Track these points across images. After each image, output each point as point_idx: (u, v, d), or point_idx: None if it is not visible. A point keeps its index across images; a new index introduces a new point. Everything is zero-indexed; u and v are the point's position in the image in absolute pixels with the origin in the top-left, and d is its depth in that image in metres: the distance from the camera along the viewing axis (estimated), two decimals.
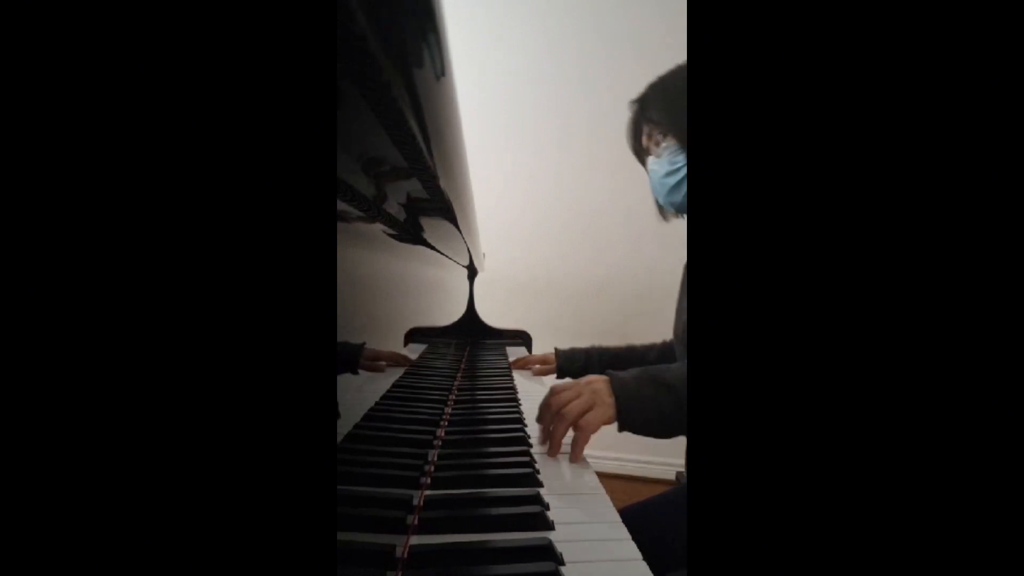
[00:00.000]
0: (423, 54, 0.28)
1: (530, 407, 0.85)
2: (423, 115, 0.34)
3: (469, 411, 0.78)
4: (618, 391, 0.62)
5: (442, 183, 0.49)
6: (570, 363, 1.10)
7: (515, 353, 1.27)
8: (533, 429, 0.71)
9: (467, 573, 0.38)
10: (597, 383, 0.64)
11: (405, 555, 0.39)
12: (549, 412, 0.64)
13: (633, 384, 0.63)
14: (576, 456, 0.60)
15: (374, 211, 0.52)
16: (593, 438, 0.61)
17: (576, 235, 2.02)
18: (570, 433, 0.62)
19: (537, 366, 1.14)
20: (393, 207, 0.57)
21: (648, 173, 0.86)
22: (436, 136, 0.40)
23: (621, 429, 0.62)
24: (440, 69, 0.33)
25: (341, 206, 0.42)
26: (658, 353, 1.06)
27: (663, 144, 0.81)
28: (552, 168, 2.00)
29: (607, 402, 0.61)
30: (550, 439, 0.62)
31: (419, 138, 0.36)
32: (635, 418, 0.62)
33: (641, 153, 0.87)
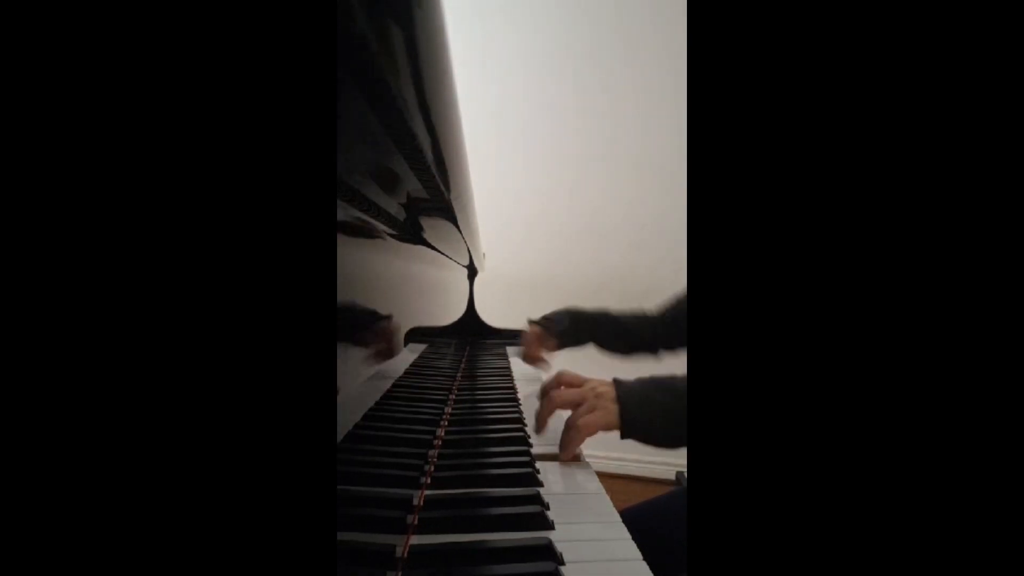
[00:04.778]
0: (424, 53, 0.28)
1: (530, 408, 0.85)
2: (425, 115, 0.34)
3: (469, 411, 0.78)
4: (623, 398, 0.61)
5: (442, 182, 0.49)
6: (560, 329, 1.05)
7: (515, 353, 1.27)
8: (532, 429, 0.71)
9: (467, 573, 0.38)
10: (601, 387, 0.63)
11: (405, 555, 0.39)
12: (550, 403, 0.66)
13: (639, 391, 0.62)
14: (567, 455, 0.61)
15: (374, 211, 0.52)
16: (593, 438, 0.61)
17: (576, 234, 2.02)
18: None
19: (535, 348, 1.07)
20: (393, 207, 0.57)
21: None
22: (436, 135, 0.40)
23: (624, 436, 0.61)
24: (441, 65, 0.33)
25: (341, 206, 0.42)
26: (635, 321, 1.03)
27: None
28: (552, 168, 2.00)
29: (610, 408, 0.61)
30: (538, 423, 0.68)
31: (420, 137, 0.36)
32: (640, 426, 0.61)
33: None
